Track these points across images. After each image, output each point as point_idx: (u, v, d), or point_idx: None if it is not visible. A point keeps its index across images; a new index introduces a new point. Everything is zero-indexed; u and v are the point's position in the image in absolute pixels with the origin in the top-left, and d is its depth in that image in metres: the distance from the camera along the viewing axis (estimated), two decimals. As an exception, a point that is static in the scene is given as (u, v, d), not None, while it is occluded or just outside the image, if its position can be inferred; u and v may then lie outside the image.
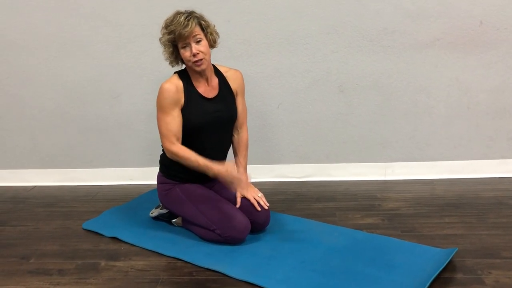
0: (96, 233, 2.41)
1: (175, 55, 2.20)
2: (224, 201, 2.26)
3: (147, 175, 3.04)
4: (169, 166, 2.31)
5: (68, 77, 3.01)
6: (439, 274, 1.84)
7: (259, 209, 2.24)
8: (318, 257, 2.04)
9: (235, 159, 2.42)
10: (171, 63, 2.24)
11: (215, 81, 2.29)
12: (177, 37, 2.10)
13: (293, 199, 2.75)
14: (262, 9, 2.79)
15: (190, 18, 2.10)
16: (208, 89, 2.26)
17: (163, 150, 2.34)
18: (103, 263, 2.12)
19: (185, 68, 2.27)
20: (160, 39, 2.20)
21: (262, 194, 2.31)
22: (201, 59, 2.13)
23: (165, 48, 2.19)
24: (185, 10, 2.15)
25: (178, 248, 2.19)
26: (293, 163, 3.03)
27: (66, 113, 3.08)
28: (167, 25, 2.13)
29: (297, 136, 3.00)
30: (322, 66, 2.85)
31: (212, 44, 2.21)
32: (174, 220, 2.44)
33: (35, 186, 3.19)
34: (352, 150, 2.98)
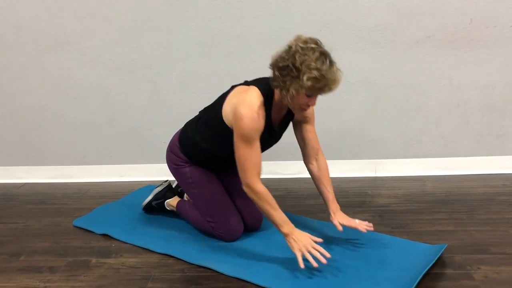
0: (87, 230, 2.40)
1: (288, 89, 1.83)
2: (227, 199, 2.23)
3: (139, 172, 3.03)
4: (190, 151, 2.16)
5: (59, 73, 2.99)
6: (429, 270, 1.85)
7: (364, 231, 2.06)
8: (309, 253, 2.05)
9: (321, 190, 2.18)
10: (276, 88, 1.89)
11: (285, 110, 2.11)
12: (318, 88, 1.81)
13: (285, 195, 2.75)
14: (254, 5, 2.78)
15: (338, 70, 1.85)
16: (277, 119, 2.11)
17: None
18: (94, 260, 2.11)
19: (269, 89, 1.96)
20: (295, 73, 1.80)
21: (360, 221, 2.11)
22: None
23: (293, 87, 1.81)
24: (319, 45, 1.88)
25: (170, 245, 2.18)
26: (285, 160, 3.04)
27: (57, 109, 3.06)
28: (313, 67, 1.79)
29: (288, 133, 2.99)
30: (314, 63, 2.85)
31: None
32: (167, 201, 2.44)
33: (26, 183, 3.17)
34: (343, 146, 2.99)
